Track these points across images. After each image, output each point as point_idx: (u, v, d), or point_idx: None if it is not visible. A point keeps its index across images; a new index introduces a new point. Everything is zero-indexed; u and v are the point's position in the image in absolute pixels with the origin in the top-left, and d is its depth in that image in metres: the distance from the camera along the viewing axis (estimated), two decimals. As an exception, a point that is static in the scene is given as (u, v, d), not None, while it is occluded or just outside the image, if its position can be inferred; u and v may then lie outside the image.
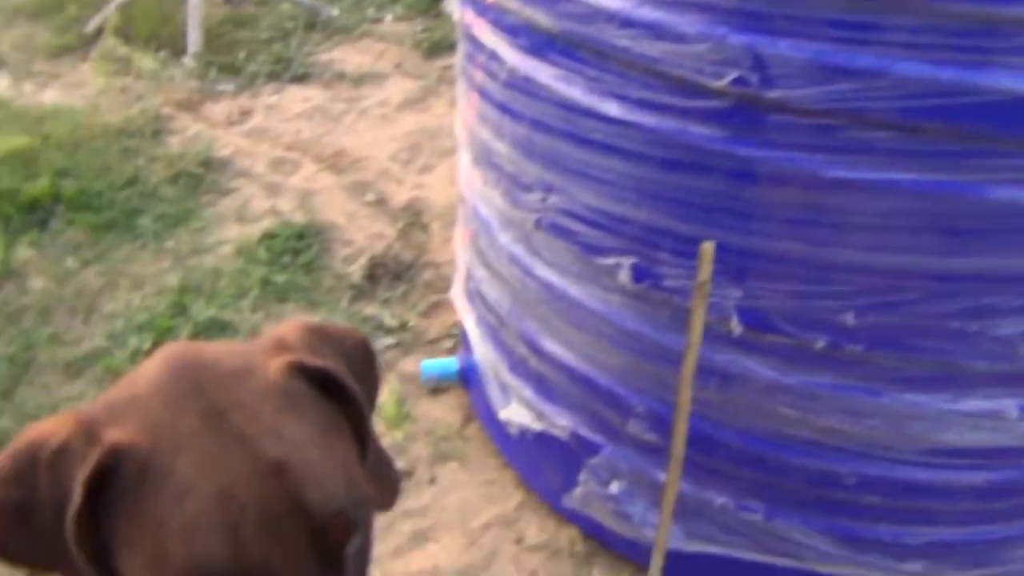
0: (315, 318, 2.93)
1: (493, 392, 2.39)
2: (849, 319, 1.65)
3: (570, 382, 2.10)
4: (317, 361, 0.86)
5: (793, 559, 1.93)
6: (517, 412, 2.30)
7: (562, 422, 2.15)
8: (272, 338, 0.90)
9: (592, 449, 2.10)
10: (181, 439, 0.75)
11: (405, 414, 2.67)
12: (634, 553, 2.13)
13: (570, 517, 2.26)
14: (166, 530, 0.71)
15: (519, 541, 2.28)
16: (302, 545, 0.74)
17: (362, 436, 0.90)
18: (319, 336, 0.93)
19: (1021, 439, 1.69)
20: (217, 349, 0.86)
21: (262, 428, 0.77)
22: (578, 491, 2.15)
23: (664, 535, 1.83)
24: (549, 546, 2.26)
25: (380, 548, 2.26)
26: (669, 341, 1.85)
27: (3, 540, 0.80)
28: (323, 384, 0.86)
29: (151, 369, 0.83)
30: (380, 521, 2.34)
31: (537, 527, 2.32)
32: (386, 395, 2.74)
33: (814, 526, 1.88)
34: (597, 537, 2.23)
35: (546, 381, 2.19)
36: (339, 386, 0.87)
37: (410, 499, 2.41)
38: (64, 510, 0.74)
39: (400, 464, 2.50)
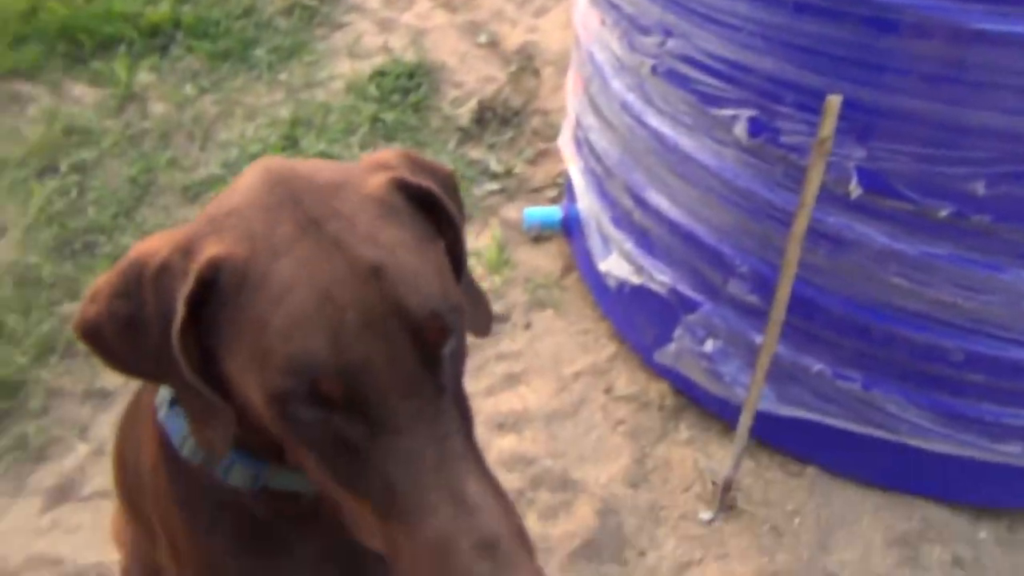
0: (421, 158, 2.93)
1: (594, 243, 2.38)
2: (979, 188, 1.55)
3: (673, 237, 2.06)
4: (418, 179, 0.86)
5: (887, 431, 1.90)
6: (617, 265, 2.28)
7: (662, 277, 2.13)
8: (370, 160, 0.90)
9: (690, 306, 2.08)
10: (278, 246, 0.76)
11: (505, 260, 2.69)
12: (723, 411, 2.13)
13: (661, 372, 2.27)
14: (268, 330, 0.73)
15: (608, 391, 2.31)
16: (400, 344, 0.74)
17: (457, 258, 0.90)
18: (415, 161, 0.93)
19: None
20: (313, 164, 0.86)
21: (359, 235, 0.77)
22: (672, 347, 2.14)
23: (755, 396, 1.83)
24: (638, 398, 2.28)
25: (473, 387, 2.33)
26: (781, 200, 1.78)
27: (115, 352, 0.84)
28: (422, 202, 0.85)
29: (246, 182, 0.84)
30: (473, 362, 2.40)
31: (627, 379, 2.34)
32: (487, 240, 2.75)
33: (913, 400, 1.83)
34: (686, 393, 2.24)
35: (648, 235, 2.16)
36: (439, 205, 0.86)
37: (505, 342, 2.46)
38: (169, 324, 0.77)
39: (497, 308, 2.54)
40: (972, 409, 1.81)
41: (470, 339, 2.24)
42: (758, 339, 1.90)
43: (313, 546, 0.98)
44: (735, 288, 1.94)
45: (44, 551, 1.96)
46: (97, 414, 2.30)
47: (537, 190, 2.94)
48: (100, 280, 0.84)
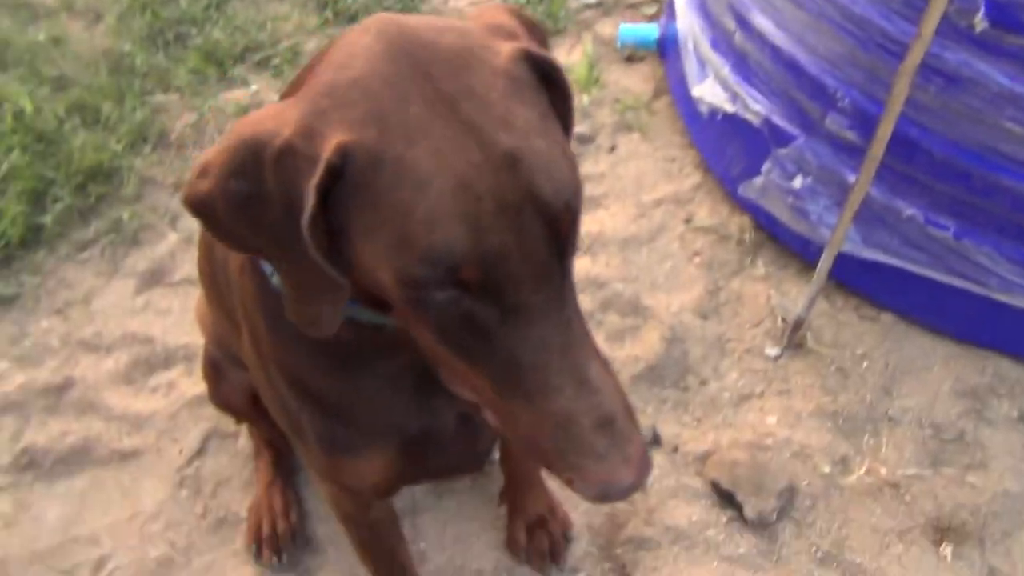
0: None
1: (689, 66, 2.28)
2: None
3: (774, 64, 1.95)
4: (543, 51, 0.82)
5: (973, 283, 1.84)
6: (711, 90, 2.19)
7: (756, 107, 2.04)
8: (486, 20, 0.85)
9: (783, 139, 2.00)
10: (411, 131, 0.73)
11: (595, 78, 2.61)
12: (803, 250, 2.09)
13: (744, 206, 2.22)
14: (408, 220, 0.72)
15: (688, 220, 2.28)
16: (535, 233, 0.74)
17: (567, 130, 0.87)
18: (528, 25, 0.88)
19: None
20: (431, 26, 0.80)
21: (493, 117, 0.74)
22: (758, 181, 2.08)
23: (840, 236, 1.77)
24: (718, 230, 2.25)
25: (552, 205, 2.32)
26: (896, 30, 1.65)
27: (228, 228, 0.82)
28: (544, 74, 0.82)
29: (365, 48, 0.78)
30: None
31: (709, 210, 2.29)
32: (579, 57, 2.66)
33: (1006, 253, 1.76)
34: (767, 229, 2.19)
35: (748, 60, 2.05)
36: (559, 78, 0.83)
37: (588, 164, 2.42)
38: (293, 207, 0.75)
39: (583, 129, 2.49)
40: (1068, 267, 1.73)
41: None
42: (851, 178, 1.82)
43: (390, 364, 1.00)
44: (833, 122, 1.85)
45: (137, 330, 2.09)
46: (187, 204, 2.37)
47: (634, 6, 2.80)
48: (210, 154, 0.80)
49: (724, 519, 1.78)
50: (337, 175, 0.74)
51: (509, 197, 0.73)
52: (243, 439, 1.89)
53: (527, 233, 0.74)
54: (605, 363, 0.79)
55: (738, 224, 2.24)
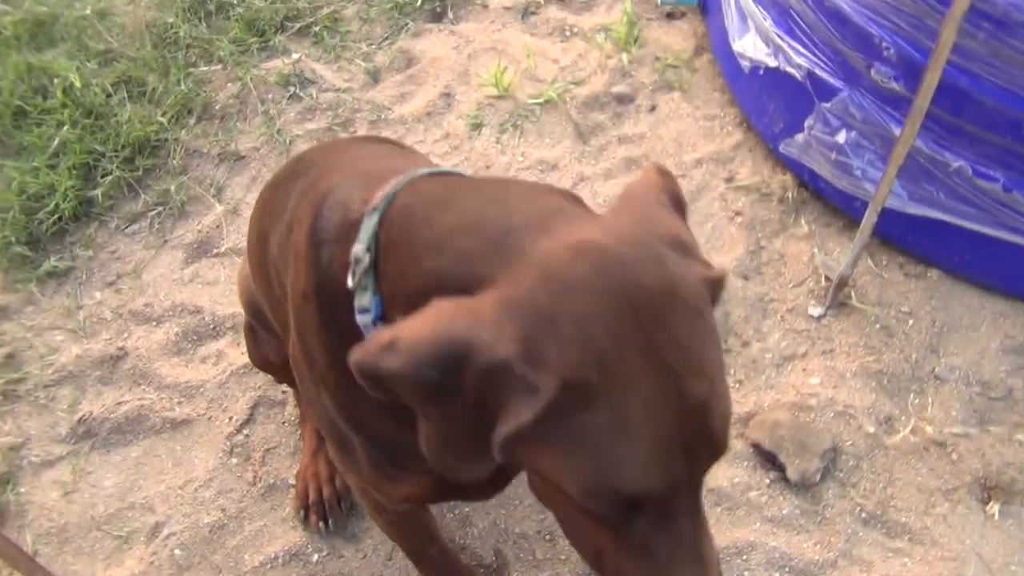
0: None
1: (731, 20, 2.23)
2: None
3: (817, 14, 1.90)
4: (719, 273, 0.86)
5: (1023, 236, 1.79)
6: (753, 45, 2.14)
7: (799, 60, 1.99)
8: (669, 230, 0.85)
9: (827, 93, 1.95)
10: (628, 379, 0.75)
11: (635, 37, 2.57)
12: (847, 207, 2.05)
13: (786, 163, 2.17)
14: (610, 461, 0.76)
15: (729, 180, 2.24)
16: (703, 464, 0.80)
17: None
18: (678, 201, 0.93)
19: None
20: (637, 256, 0.79)
21: (692, 365, 0.78)
22: (801, 137, 2.04)
23: (885, 191, 1.73)
24: (760, 189, 2.21)
25: (592, 169, 2.31)
26: (941, -24, 1.60)
27: (397, 394, 0.81)
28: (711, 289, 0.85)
29: (583, 281, 0.77)
30: (595, 143, 2.36)
31: (751, 169, 2.26)
32: (618, 14, 2.62)
33: (1059, 205, 1.71)
34: (810, 187, 2.14)
35: (791, 12, 2.00)
36: (718, 295, 0.86)
37: (627, 124, 2.40)
38: (487, 413, 0.77)
39: (623, 88, 2.46)
40: (1124, 219, 1.67)
41: (593, 121, 2.23)
42: (896, 130, 1.78)
43: None
44: (879, 73, 1.80)
45: (186, 300, 2.14)
46: (232, 176, 2.41)
47: (675, -39, 2.74)
48: (406, 331, 0.78)
49: (767, 481, 1.77)
50: (562, 412, 0.76)
51: (693, 442, 0.78)
52: (290, 407, 1.94)
53: (698, 464, 0.80)
54: (708, 530, 0.86)
55: (780, 182, 2.20)
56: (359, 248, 0.95)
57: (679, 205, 0.92)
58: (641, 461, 0.77)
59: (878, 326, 1.95)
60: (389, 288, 0.93)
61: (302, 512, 1.79)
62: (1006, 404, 1.83)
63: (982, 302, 1.96)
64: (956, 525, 1.70)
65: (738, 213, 2.18)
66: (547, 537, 1.73)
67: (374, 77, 2.57)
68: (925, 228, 1.90)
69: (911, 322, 1.95)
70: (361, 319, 0.96)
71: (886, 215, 1.82)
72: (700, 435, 0.78)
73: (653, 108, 2.42)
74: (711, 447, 0.80)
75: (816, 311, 1.98)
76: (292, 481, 1.83)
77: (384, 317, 0.94)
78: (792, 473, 1.75)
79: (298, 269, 1.07)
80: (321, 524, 1.77)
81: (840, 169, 1.96)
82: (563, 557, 1.71)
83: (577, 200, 0.93)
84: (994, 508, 1.72)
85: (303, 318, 1.08)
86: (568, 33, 2.63)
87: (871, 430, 1.81)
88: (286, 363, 1.63)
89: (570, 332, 0.75)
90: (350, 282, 0.95)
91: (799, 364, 1.93)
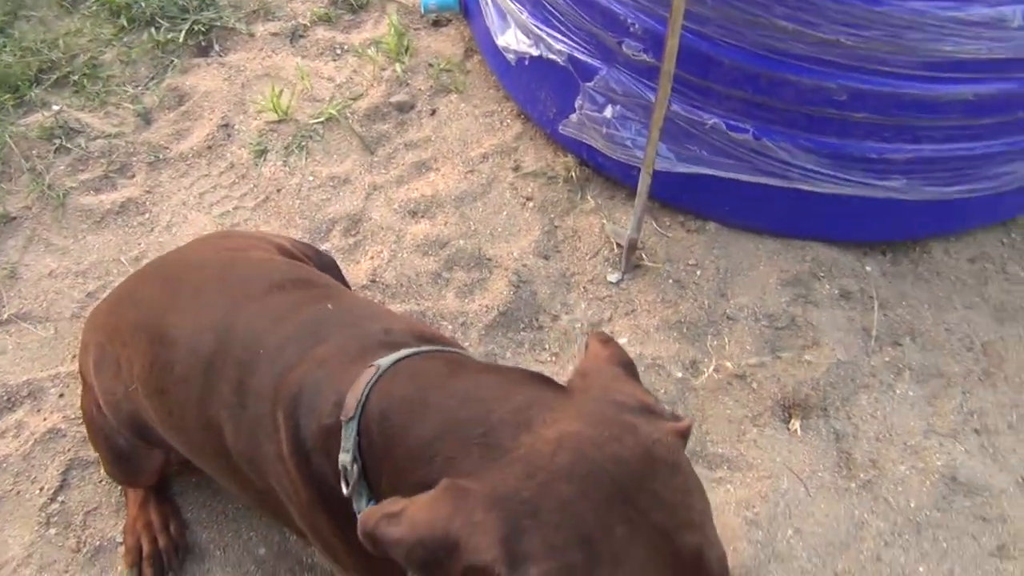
0: None
1: (491, 18, 2.33)
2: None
3: (567, 1, 2.02)
4: (686, 423, 0.91)
5: (779, 179, 1.98)
6: (515, 38, 2.25)
7: (559, 46, 2.11)
8: (632, 398, 0.92)
9: (588, 73, 2.07)
10: (617, 552, 0.79)
11: (406, 47, 2.62)
12: (626, 177, 2.18)
13: (566, 145, 2.30)
14: None
15: (516, 169, 2.34)
16: None
17: None
18: (629, 366, 1.00)
19: (1017, 50, 1.63)
20: (610, 434, 0.85)
21: (680, 522, 0.82)
22: (574, 117, 2.16)
23: (652, 154, 1.87)
24: (546, 173, 2.32)
25: (383, 177, 2.34)
26: (666, -48, 1.74)
27: (400, 560, 0.85)
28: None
29: (564, 468, 0.82)
30: (382, 152, 2.40)
31: (534, 156, 2.36)
32: (385, 28, 2.67)
33: (801, 144, 1.90)
34: (591, 164, 2.27)
35: (544, 3, 2.11)
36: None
37: (411, 131, 2.45)
38: None
39: (401, 97, 2.51)
40: (856, 148, 1.88)
41: (377, 132, 2.26)
42: (654, 98, 1.92)
43: None
44: (629, 48, 1.94)
45: (-29, 373, 1.99)
46: (5, 239, 2.26)
47: (432, -28, 2.83)
48: (411, 508, 0.85)
49: (594, 440, 1.86)
50: None
51: None
52: (106, 462, 1.84)
53: None
54: None
55: (563, 164, 2.32)
56: (345, 458, 1.00)
57: (630, 368, 1.00)
58: None
59: (671, 281, 2.10)
60: (384, 497, 0.96)
61: (135, 569, 1.70)
62: (791, 331, 2.01)
63: (756, 245, 2.15)
64: (766, 446, 1.85)
65: (529, 199, 2.27)
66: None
67: (145, 119, 2.48)
68: (696, 185, 2.06)
69: (699, 273, 2.11)
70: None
71: (660, 178, 1.96)
72: None
73: (434, 112, 2.48)
74: None
75: (614, 277, 2.10)
76: (120, 539, 1.74)
77: None
78: (616, 429, 1.84)
79: (295, 484, 1.11)
80: (159, 576, 1.70)
81: (612, 142, 2.09)
82: None
83: (542, 380, 0.98)
84: (796, 425, 1.88)
85: (317, 524, 1.14)
86: (339, 51, 2.65)
87: (679, 375, 1.94)
88: (156, 477, 1.66)
89: (554, 520, 0.80)
90: (345, 491, 1.01)
91: (607, 328, 2.04)
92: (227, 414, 1.22)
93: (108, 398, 1.55)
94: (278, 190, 2.31)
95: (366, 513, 0.87)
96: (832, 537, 1.74)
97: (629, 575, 0.79)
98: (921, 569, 1.71)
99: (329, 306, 1.29)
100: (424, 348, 1.08)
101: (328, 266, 1.81)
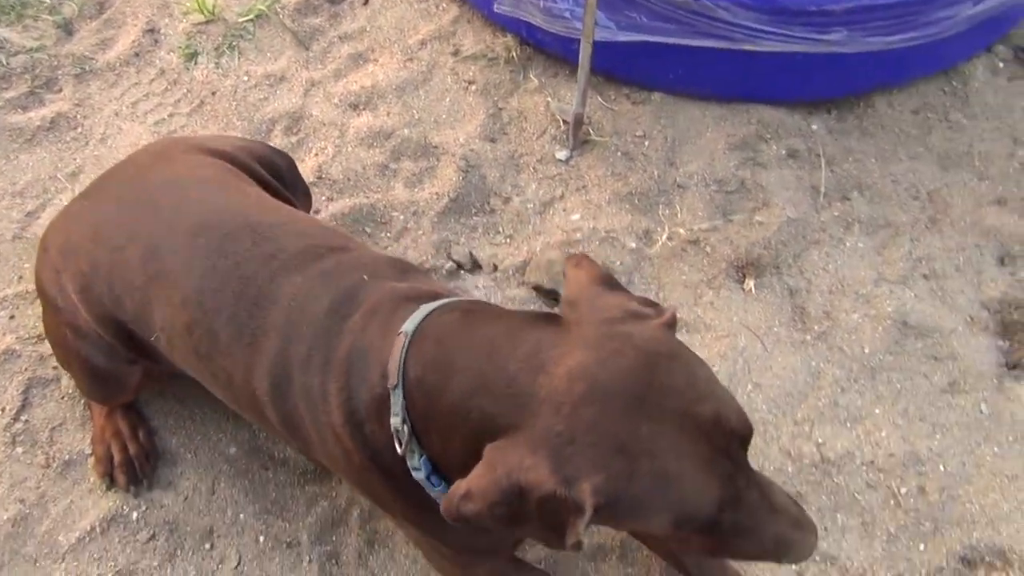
0: None
1: (416, -102, 2.24)
2: None
3: None
4: (670, 312, 1.05)
5: (722, 40, 1.95)
6: (443, -83, 2.17)
7: (488, -79, 2.04)
8: (619, 309, 1.04)
9: (519, -53, 2.02)
10: (651, 446, 0.93)
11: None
12: (568, 53, 2.14)
13: (505, 24, 2.24)
14: (671, 503, 0.95)
15: (456, 53, 2.29)
16: (743, 454, 1.00)
17: None
18: (611, 280, 1.13)
19: None
20: (608, 348, 0.98)
21: (689, 399, 0.95)
22: (509, -7, 2.10)
23: (591, 23, 1.83)
24: (486, 55, 2.27)
25: (320, 72, 2.28)
26: None
27: (484, 523, 0.97)
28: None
29: (581, 396, 0.95)
30: (317, 47, 2.33)
31: (473, 39, 2.31)
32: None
33: (742, 2, 1.87)
34: (531, 41, 2.23)
35: None
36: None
37: (345, 23, 2.38)
38: (557, 525, 0.94)
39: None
40: (796, 1, 1.86)
41: (310, 26, 2.18)
42: (589, -34, 1.87)
43: None
44: (560, -84, 1.88)
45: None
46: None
47: None
48: (473, 483, 0.96)
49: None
50: (610, 502, 0.93)
51: (725, 444, 0.96)
52: (65, 379, 1.82)
53: (738, 455, 0.99)
54: (771, 482, 1.06)
55: (503, 44, 2.27)
56: (396, 421, 1.11)
57: (608, 280, 1.12)
58: (696, 489, 0.95)
59: (619, 154, 2.09)
60: (436, 453, 1.11)
61: (107, 478, 1.71)
62: (741, 194, 2.03)
63: (702, 111, 2.14)
64: (722, 308, 1.89)
65: (471, 82, 2.23)
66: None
67: (67, 29, 2.38)
68: (639, 55, 2.04)
69: (647, 143, 2.10)
70: (416, 475, 1.14)
71: (602, 50, 1.92)
72: (727, 437, 0.97)
73: (366, 1, 2.41)
74: (741, 438, 0.99)
75: (562, 154, 2.09)
76: (89, 451, 1.74)
77: (434, 469, 1.13)
78: (574, 302, 1.86)
79: (347, 450, 1.21)
80: (132, 483, 1.70)
81: (550, 15, 2.04)
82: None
83: (541, 320, 1.08)
84: (750, 284, 1.91)
85: (371, 484, 1.26)
86: (263, -55, 2.55)
87: (633, 246, 1.95)
88: (135, 392, 1.69)
89: (589, 440, 0.93)
90: (399, 450, 1.12)
91: (559, 206, 2.03)
92: (268, 385, 1.28)
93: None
94: (213, 93, 2.25)
95: (445, 505, 0.98)
96: (790, 388, 1.79)
97: (667, 462, 0.94)
98: (877, 411, 1.77)
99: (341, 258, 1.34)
100: (436, 304, 1.17)
101: (284, 167, 1.77)
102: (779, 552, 1.06)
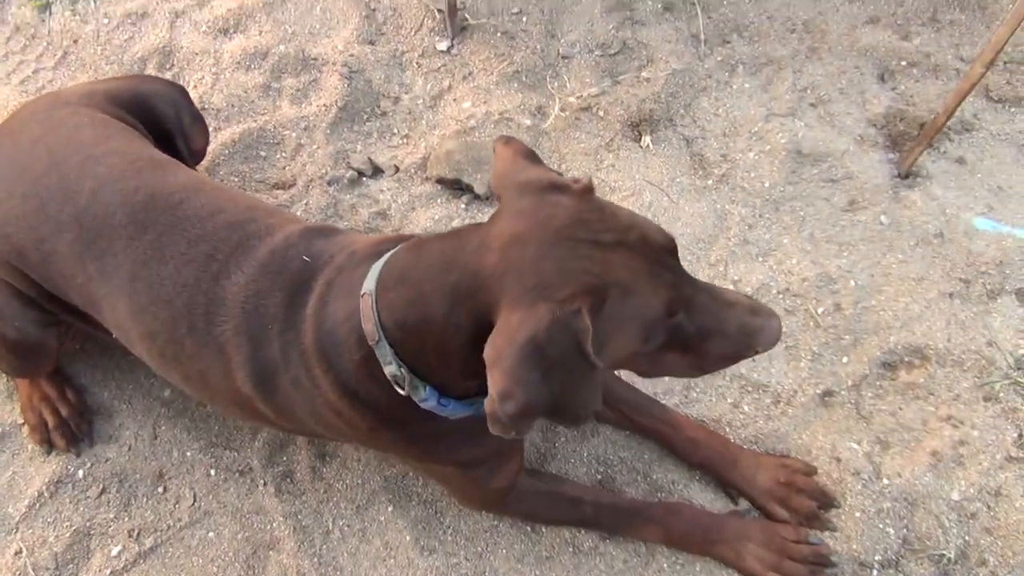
0: None
1: None
2: None
3: None
4: (585, 181, 1.12)
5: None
6: None
7: None
8: (542, 181, 1.11)
9: None
10: (602, 271, 1.03)
11: None
12: (431, -60, 2.11)
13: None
14: (636, 310, 1.06)
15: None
16: (675, 262, 1.11)
17: None
18: (534, 156, 1.20)
19: None
20: (542, 212, 1.08)
21: (620, 229, 1.06)
22: None
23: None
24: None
25: (183, 2, 2.19)
26: None
27: (542, 399, 1.00)
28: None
29: (540, 241, 1.04)
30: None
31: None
32: None
33: None
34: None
35: None
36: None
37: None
38: (579, 354, 1.00)
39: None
40: None
41: None
42: None
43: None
44: None
45: None
46: None
47: None
48: (498, 386, 0.99)
49: (462, 205, 1.89)
50: (596, 310, 1.02)
51: (657, 257, 1.08)
52: (-18, 354, 1.78)
53: (672, 263, 1.10)
54: (718, 286, 1.19)
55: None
56: (391, 368, 1.16)
57: (532, 156, 1.19)
58: (648, 293, 1.06)
59: (499, 34, 2.07)
60: (438, 380, 1.17)
61: (46, 444, 1.70)
62: (624, 55, 2.03)
63: None
64: (624, 168, 1.91)
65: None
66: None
67: (-96, 1, 2.24)
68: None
69: (525, 19, 2.09)
70: (427, 405, 1.19)
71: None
72: (657, 252, 1.08)
73: (217, -78, 2.31)
74: (667, 250, 1.10)
75: (444, 45, 2.06)
76: (21, 421, 1.72)
77: (440, 390, 1.18)
78: (479, 187, 1.87)
79: (351, 420, 1.27)
80: (72, 444, 1.69)
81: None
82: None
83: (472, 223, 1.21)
84: (647, 140, 1.94)
85: (381, 442, 1.36)
86: None
87: (528, 123, 1.96)
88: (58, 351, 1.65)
89: (553, 273, 1.02)
90: (403, 392, 1.18)
91: (449, 97, 2.02)
92: (253, 385, 1.31)
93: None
94: (75, 41, 2.15)
95: (491, 421, 1.01)
96: (700, 233, 1.84)
97: (620, 275, 1.04)
98: (785, 240, 1.83)
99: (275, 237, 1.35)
100: (383, 259, 1.20)
101: (171, 100, 1.71)
102: (748, 341, 1.16)
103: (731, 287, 1.76)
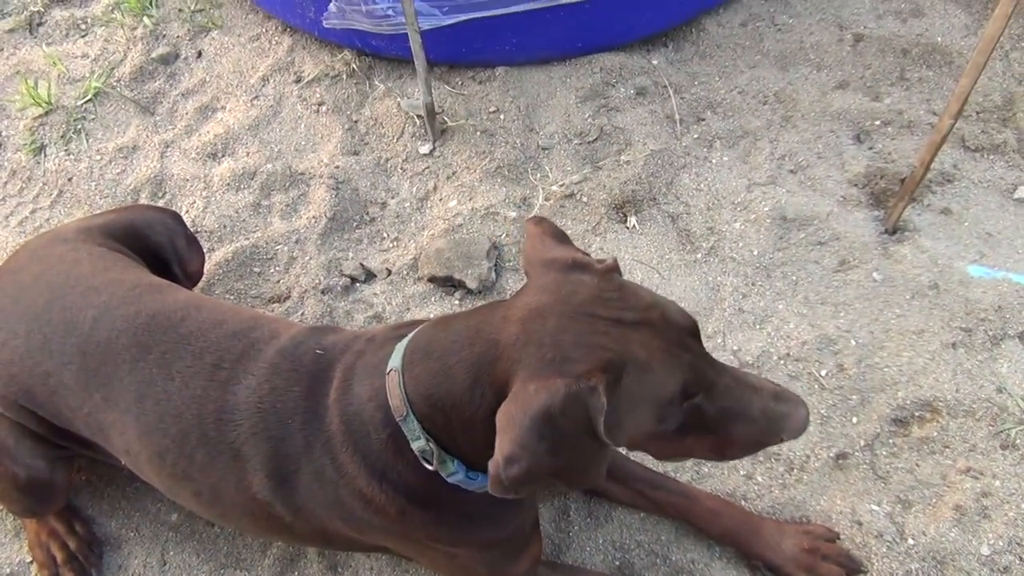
0: None
1: (220, -59, 2.25)
2: None
3: None
4: (610, 261, 1.16)
5: (539, 0, 2.01)
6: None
7: (295, -57, 2.06)
8: (568, 261, 1.14)
9: (329, -39, 2.04)
10: (620, 348, 1.05)
11: (149, 0, 2.51)
12: (405, 51, 2.14)
13: (338, 40, 2.27)
14: (653, 390, 1.07)
15: (299, 80, 2.30)
16: (697, 344, 1.12)
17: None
18: (562, 235, 1.22)
19: None
20: (563, 289, 1.10)
21: (640, 308, 1.08)
22: (332, 7, 2.12)
23: (410, 9, 1.86)
24: (328, 74, 2.29)
25: (173, 133, 2.26)
26: None
27: (548, 471, 1.03)
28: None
29: (560, 315, 1.07)
30: (162, 109, 2.31)
31: (312, 62, 2.32)
32: (123, -11, 2.55)
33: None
34: (369, 50, 2.26)
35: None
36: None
37: (184, 80, 2.37)
38: (592, 430, 1.01)
39: (161, 50, 2.41)
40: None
41: (151, 91, 2.12)
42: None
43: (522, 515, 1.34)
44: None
45: None
46: None
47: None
48: (504, 449, 1.01)
49: (456, 300, 1.90)
50: (612, 387, 1.03)
51: (678, 337, 1.08)
52: (-13, 495, 1.77)
53: (693, 344, 1.11)
54: (743, 371, 1.19)
55: (342, 60, 2.29)
56: (419, 444, 1.17)
57: (560, 235, 1.22)
58: (665, 373, 1.06)
59: (479, 133, 2.12)
60: (464, 453, 1.17)
61: (54, 579, 1.67)
62: (603, 141, 2.08)
63: (547, 74, 2.19)
64: (612, 250, 1.93)
65: (320, 104, 2.24)
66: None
67: (-96, 157, 2.32)
68: (472, 35, 2.08)
69: (502, 116, 2.14)
70: (455, 479, 1.20)
71: (436, 39, 1.96)
72: (677, 332, 1.09)
73: (200, 54, 2.40)
74: (688, 330, 1.11)
75: (426, 148, 2.11)
76: (29, 559, 1.70)
77: (466, 464, 1.19)
78: (471, 283, 1.88)
79: (380, 506, 1.25)
80: (82, 577, 1.67)
81: (375, 18, 2.07)
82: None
83: (496, 303, 1.19)
84: (632, 221, 1.96)
85: (410, 531, 1.30)
86: (84, 26, 2.52)
87: (514, 215, 1.99)
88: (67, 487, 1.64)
89: (572, 347, 1.04)
90: (430, 467, 1.19)
91: (435, 197, 2.06)
92: (270, 487, 1.30)
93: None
94: (69, 179, 2.21)
95: (493, 482, 1.02)
96: (695, 307, 1.84)
97: (638, 354, 1.05)
98: (780, 306, 1.83)
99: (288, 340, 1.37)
100: (407, 337, 1.23)
101: (164, 228, 1.75)
102: (773, 426, 1.15)
103: (731, 358, 1.76)
